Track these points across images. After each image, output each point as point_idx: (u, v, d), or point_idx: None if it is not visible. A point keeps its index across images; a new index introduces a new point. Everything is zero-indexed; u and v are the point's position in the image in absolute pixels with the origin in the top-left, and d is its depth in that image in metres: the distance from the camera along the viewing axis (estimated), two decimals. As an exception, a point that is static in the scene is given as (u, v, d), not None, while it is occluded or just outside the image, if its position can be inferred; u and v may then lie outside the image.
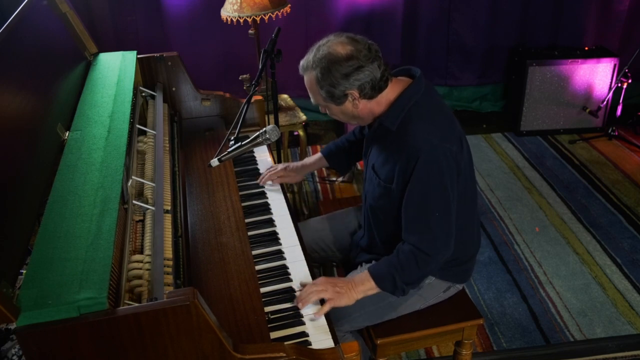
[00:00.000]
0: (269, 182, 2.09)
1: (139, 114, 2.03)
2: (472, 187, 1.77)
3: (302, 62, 1.66)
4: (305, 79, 1.67)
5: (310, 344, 1.44)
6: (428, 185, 1.59)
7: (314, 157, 2.17)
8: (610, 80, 3.88)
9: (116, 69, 2.08)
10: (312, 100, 1.71)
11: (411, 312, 1.84)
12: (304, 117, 3.21)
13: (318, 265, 2.26)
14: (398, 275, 1.63)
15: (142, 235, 1.52)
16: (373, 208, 1.79)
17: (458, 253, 1.74)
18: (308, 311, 1.55)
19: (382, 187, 1.70)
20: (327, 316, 1.54)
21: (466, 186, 1.70)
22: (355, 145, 2.08)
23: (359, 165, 3.55)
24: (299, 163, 2.16)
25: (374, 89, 1.61)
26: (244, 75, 3.08)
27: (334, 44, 1.59)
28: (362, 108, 1.66)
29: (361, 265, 1.88)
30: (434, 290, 1.84)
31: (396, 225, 1.71)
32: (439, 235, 1.63)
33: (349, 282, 1.67)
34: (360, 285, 1.66)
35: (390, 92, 1.66)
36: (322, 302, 1.59)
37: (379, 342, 1.78)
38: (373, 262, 1.84)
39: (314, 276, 1.68)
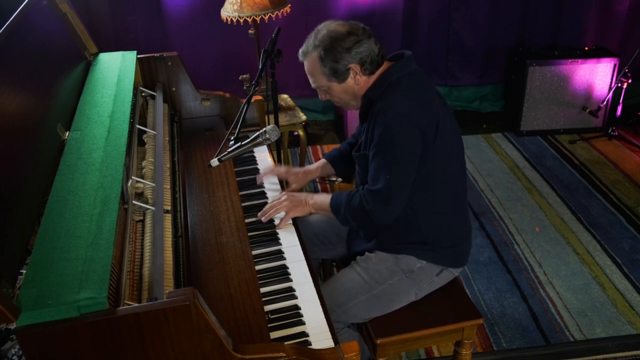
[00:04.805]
0: (274, 181, 2.08)
1: (139, 114, 2.03)
2: (460, 170, 1.83)
3: (301, 49, 1.75)
4: (306, 63, 1.75)
5: (310, 344, 1.44)
6: (387, 146, 1.66)
7: (317, 163, 2.14)
8: (610, 80, 3.88)
9: (116, 69, 2.08)
10: (312, 84, 1.78)
11: (409, 304, 1.86)
12: (304, 117, 3.22)
13: (318, 265, 2.26)
14: (345, 202, 1.77)
15: (142, 235, 1.52)
16: None
17: (444, 235, 1.81)
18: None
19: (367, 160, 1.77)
20: (327, 315, 1.54)
21: (453, 169, 1.78)
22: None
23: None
24: (301, 168, 2.14)
25: (372, 64, 1.71)
26: (244, 75, 3.08)
27: (333, 25, 1.71)
28: (362, 86, 1.74)
29: (359, 259, 1.89)
30: (425, 275, 1.85)
31: None
32: (382, 193, 1.69)
33: (307, 195, 1.86)
34: (317, 197, 1.86)
35: (380, 71, 1.75)
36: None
37: (378, 341, 1.78)
38: (376, 252, 1.87)
39: (313, 276, 1.68)
